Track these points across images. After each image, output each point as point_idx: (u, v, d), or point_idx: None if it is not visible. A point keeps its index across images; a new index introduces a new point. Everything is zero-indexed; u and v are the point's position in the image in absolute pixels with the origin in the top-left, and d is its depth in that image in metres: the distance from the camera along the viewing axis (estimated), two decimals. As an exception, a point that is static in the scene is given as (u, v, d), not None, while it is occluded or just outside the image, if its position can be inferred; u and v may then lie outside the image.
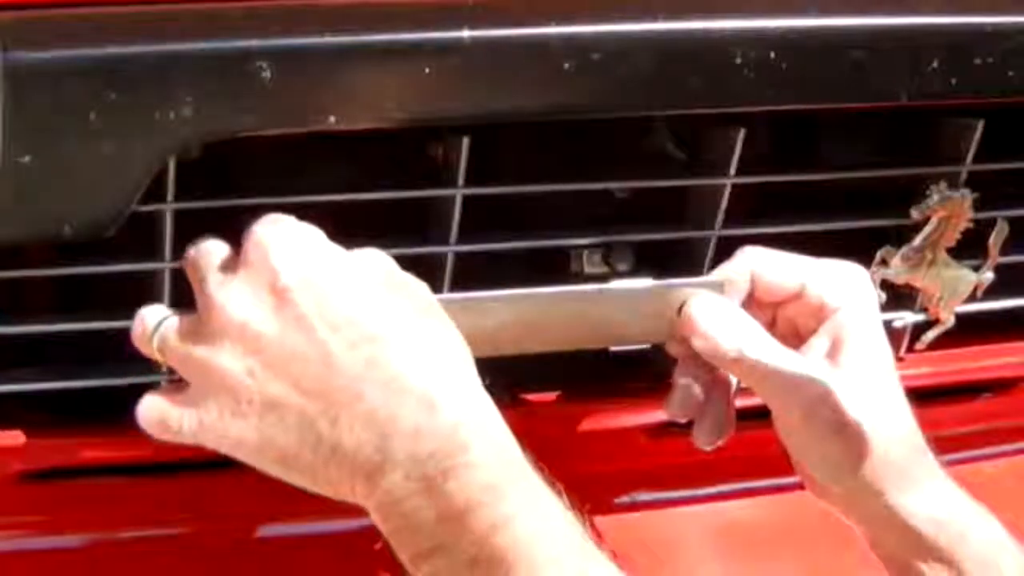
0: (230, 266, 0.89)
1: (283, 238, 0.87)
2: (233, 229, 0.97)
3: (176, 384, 0.90)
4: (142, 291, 0.97)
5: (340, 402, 0.85)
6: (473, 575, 0.83)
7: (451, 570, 0.83)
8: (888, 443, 0.97)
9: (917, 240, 1.10)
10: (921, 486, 0.99)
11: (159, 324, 0.89)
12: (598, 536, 0.89)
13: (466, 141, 0.97)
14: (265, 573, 1.08)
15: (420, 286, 0.91)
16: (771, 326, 1.01)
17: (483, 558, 0.83)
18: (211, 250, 0.90)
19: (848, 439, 0.96)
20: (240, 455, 0.87)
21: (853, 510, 1.00)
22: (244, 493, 1.04)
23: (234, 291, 0.87)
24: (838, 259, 1.02)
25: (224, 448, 0.87)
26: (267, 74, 0.88)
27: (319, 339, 0.85)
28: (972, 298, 1.15)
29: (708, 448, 1.01)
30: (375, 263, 0.90)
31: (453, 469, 0.83)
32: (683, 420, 1.02)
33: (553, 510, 0.85)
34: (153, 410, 0.89)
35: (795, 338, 1.00)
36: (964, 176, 1.10)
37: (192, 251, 0.91)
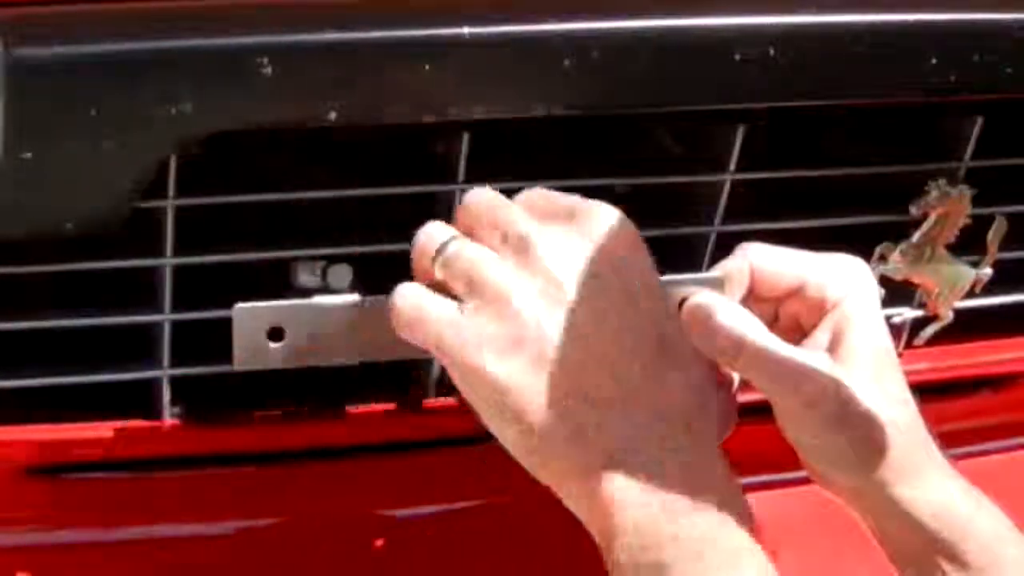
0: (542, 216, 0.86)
1: (619, 220, 0.87)
2: (233, 226, 0.98)
3: None
4: (144, 288, 0.97)
5: (614, 401, 0.83)
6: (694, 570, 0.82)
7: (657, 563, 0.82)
8: (891, 434, 0.97)
9: (916, 236, 1.10)
10: (924, 477, 0.99)
11: (448, 242, 0.87)
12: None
13: (466, 138, 0.97)
14: (272, 568, 1.08)
15: None
16: (772, 322, 1.01)
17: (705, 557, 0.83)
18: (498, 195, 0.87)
19: (851, 430, 0.96)
20: (467, 381, 0.82)
21: (857, 501, 1.00)
22: (252, 488, 1.04)
23: (559, 242, 0.85)
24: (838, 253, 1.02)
25: (455, 364, 0.82)
26: (267, 70, 0.88)
27: (632, 334, 0.84)
28: (971, 294, 1.15)
29: (710, 444, 1.01)
30: None
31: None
32: (684, 416, 1.02)
33: None
34: (414, 293, 0.85)
35: (797, 333, 1.00)
36: (963, 172, 1.10)
37: (486, 187, 0.89)
